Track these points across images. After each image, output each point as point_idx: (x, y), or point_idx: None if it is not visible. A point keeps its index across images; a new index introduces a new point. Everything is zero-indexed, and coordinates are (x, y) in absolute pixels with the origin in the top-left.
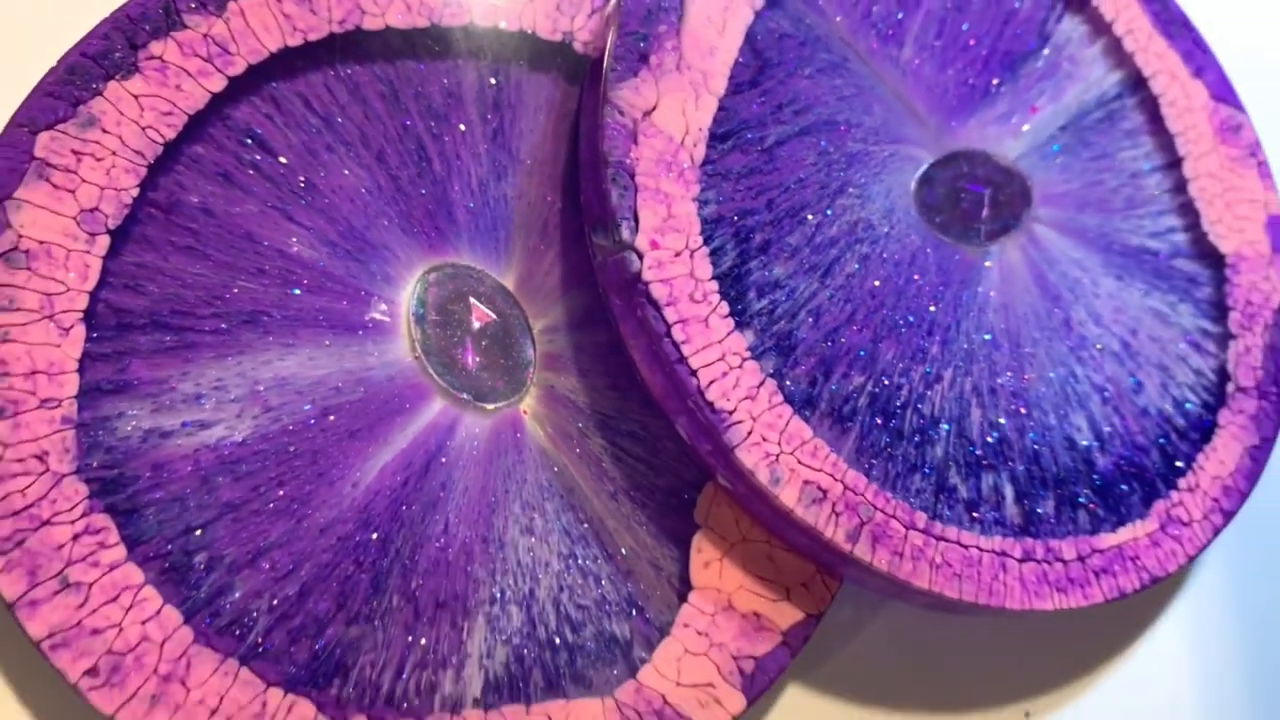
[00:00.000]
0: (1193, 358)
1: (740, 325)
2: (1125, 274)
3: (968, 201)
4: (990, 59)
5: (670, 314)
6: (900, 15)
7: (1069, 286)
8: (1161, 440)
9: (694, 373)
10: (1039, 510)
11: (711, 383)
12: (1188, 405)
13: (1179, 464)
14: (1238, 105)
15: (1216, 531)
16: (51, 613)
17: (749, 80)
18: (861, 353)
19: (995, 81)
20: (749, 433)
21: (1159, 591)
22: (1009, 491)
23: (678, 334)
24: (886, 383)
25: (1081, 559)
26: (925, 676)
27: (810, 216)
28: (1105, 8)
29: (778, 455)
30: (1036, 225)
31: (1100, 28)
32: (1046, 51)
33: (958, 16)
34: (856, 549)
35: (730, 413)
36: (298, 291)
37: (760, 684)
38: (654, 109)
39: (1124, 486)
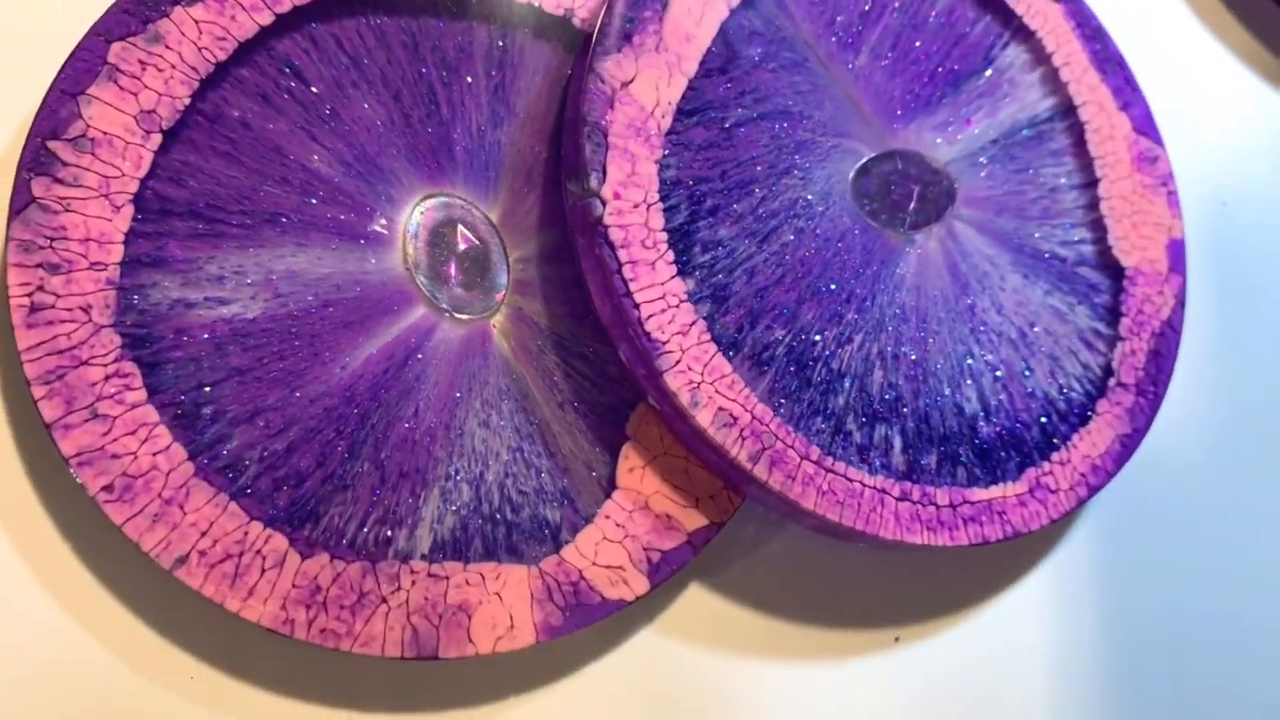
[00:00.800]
0: (1082, 353)
1: (683, 273)
2: (1031, 273)
3: (898, 193)
4: (937, 74)
5: (623, 255)
6: (860, 27)
7: (978, 278)
8: (1043, 419)
9: (637, 306)
10: (922, 461)
11: (651, 316)
12: (1072, 393)
13: (1055, 440)
14: (1157, 140)
15: (1081, 502)
16: (81, 436)
17: (719, 67)
18: (785, 310)
19: (938, 94)
20: (677, 362)
21: (1026, 551)
22: (897, 443)
23: (627, 272)
24: (804, 338)
25: (953, 506)
26: (811, 594)
27: (757, 190)
28: (1048, 40)
29: (699, 383)
30: (957, 222)
31: (1041, 57)
32: (989, 73)
33: (912, 34)
34: (756, 469)
35: (664, 343)
36: (314, 201)
37: (663, 573)
38: (632, 81)
39: (1002, 453)
